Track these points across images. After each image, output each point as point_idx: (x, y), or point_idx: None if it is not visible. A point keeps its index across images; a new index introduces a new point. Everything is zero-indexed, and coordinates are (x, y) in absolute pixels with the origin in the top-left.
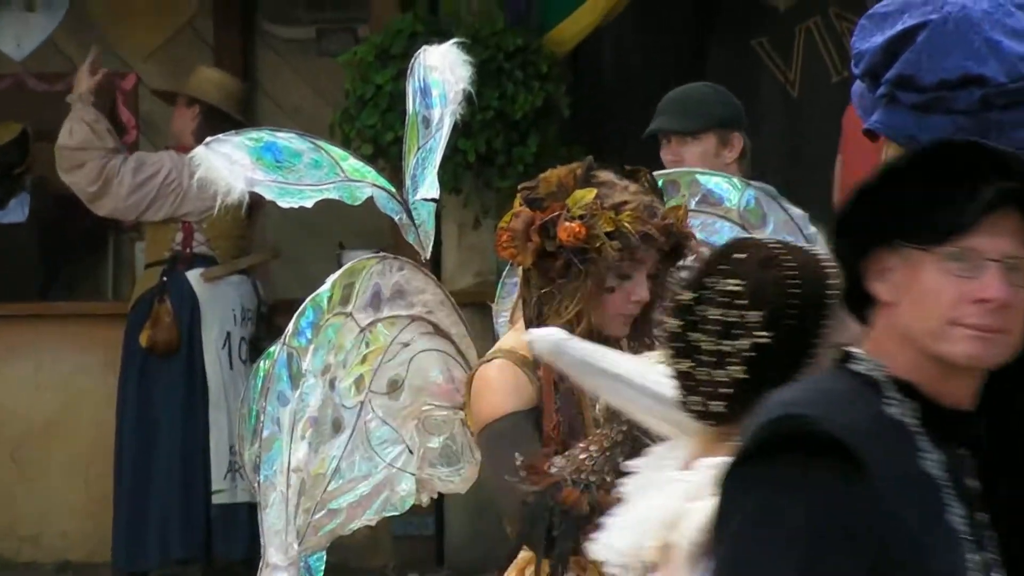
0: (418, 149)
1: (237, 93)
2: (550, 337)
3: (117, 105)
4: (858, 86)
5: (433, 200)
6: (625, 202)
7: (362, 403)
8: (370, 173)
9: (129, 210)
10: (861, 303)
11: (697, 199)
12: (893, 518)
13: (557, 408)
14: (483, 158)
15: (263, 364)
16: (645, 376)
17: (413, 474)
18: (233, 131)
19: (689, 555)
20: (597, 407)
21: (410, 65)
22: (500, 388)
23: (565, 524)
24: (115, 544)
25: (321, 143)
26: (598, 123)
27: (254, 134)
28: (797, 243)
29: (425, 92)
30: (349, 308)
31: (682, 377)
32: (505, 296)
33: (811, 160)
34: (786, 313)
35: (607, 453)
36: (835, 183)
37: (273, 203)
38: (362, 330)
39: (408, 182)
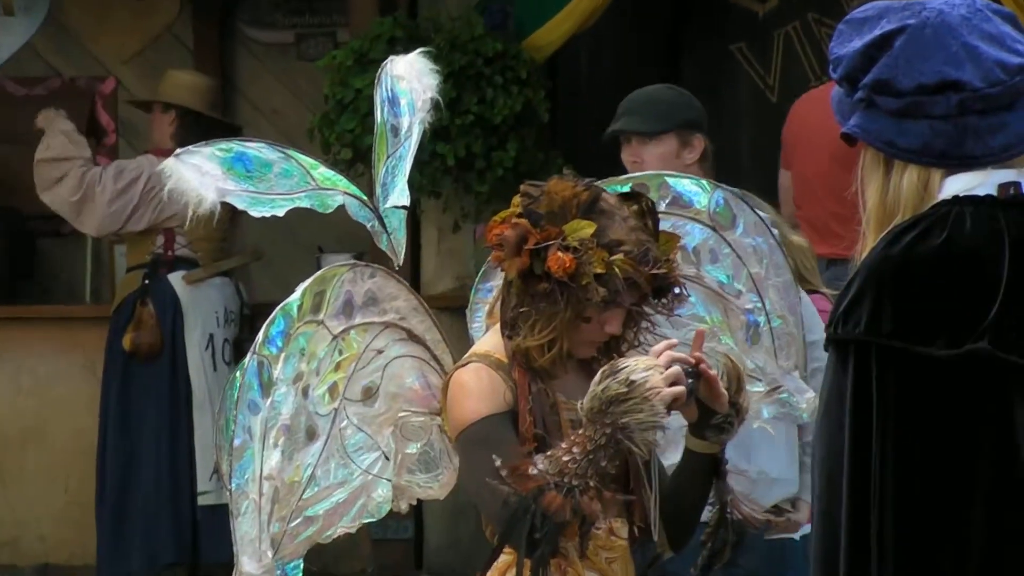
0: (387, 157)
1: (210, 91)
2: None
3: (96, 109)
4: (836, 91)
5: (404, 207)
6: (621, 243)
7: (336, 410)
8: (341, 181)
9: (113, 218)
10: None
11: (667, 201)
12: None
13: (530, 409)
14: (462, 163)
15: (237, 376)
16: None
17: (390, 480)
18: (203, 142)
19: None
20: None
21: (377, 75)
22: (476, 392)
23: (547, 527)
24: (100, 548)
25: (291, 152)
26: (577, 128)
27: (224, 144)
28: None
29: (393, 101)
30: (321, 316)
31: None
32: (478, 303)
33: None
34: None
35: (590, 456)
36: (782, 197)
37: None
38: (335, 337)
39: (379, 190)
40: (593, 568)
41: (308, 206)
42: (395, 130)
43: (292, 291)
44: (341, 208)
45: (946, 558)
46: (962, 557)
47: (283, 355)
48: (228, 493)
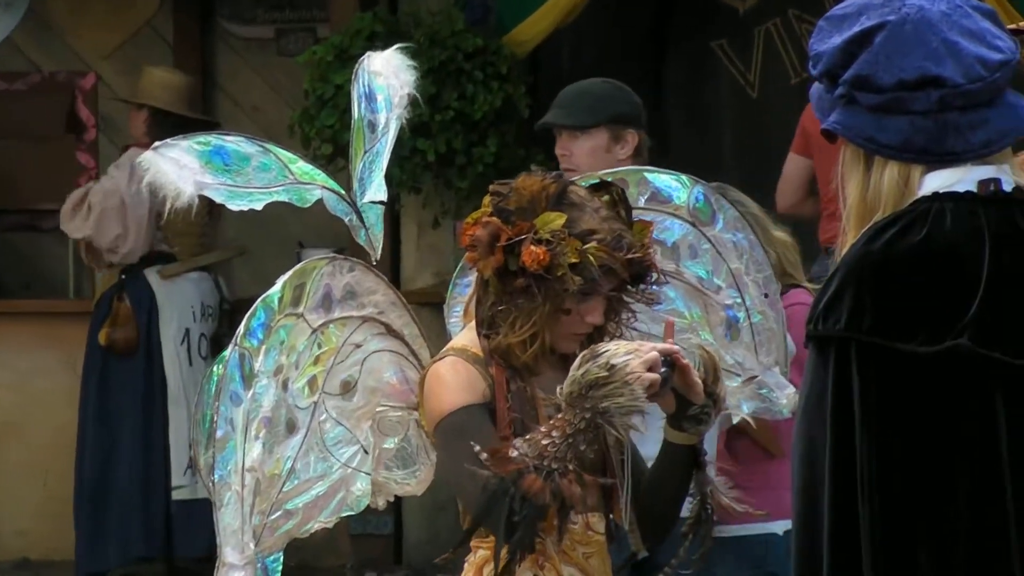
0: (364, 153)
1: (185, 89)
2: None
3: (76, 104)
4: (816, 87)
5: (381, 203)
6: (593, 231)
7: (316, 404)
8: (319, 175)
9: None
10: None
11: (646, 197)
12: None
13: (509, 406)
14: (443, 158)
15: (216, 369)
16: None
17: (368, 474)
18: (181, 135)
19: None
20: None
21: (354, 71)
22: (453, 383)
23: (526, 511)
24: (78, 543)
25: (270, 146)
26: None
27: (202, 138)
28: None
29: (370, 97)
30: (300, 309)
31: None
32: (455, 298)
33: (770, 161)
34: None
35: (570, 440)
36: (790, 182)
37: None
38: (314, 331)
39: (356, 186)
40: (570, 563)
41: (286, 200)
42: (372, 126)
43: (272, 286)
44: (321, 203)
45: (928, 553)
46: (944, 552)
47: (264, 347)
48: (210, 484)
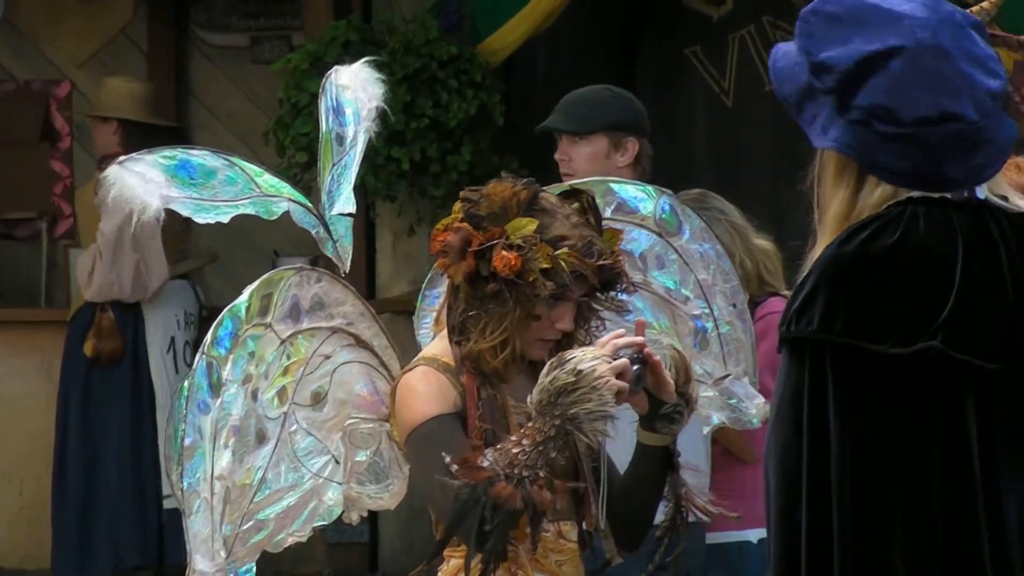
0: (333, 166)
1: (150, 96)
2: None
3: (51, 113)
4: (805, 89)
5: (350, 215)
6: (564, 237)
7: (286, 414)
8: (285, 188)
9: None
10: None
11: (612, 208)
12: None
13: (480, 415)
14: (417, 166)
15: (185, 384)
16: None
17: (340, 483)
18: (147, 149)
19: None
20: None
21: (322, 84)
22: (424, 393)
23: (497, 519)
24: (59, 553)
25: (235, 160)
26: (532, 132)
27: (168, 152)
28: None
29: (338, 110)
30: (268, 319)
31: None
32: (425, 309)
33: (745, 168)
34: None
35: (540, 447)
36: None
37: None
38: (283, 342)
39: (324, 198)
40: (543, 570)
41: (252, 212)
42: (340, 139)
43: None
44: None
45: (903, 555)
46: (919, 554)
47: (231, 356)
48: (179, 493)
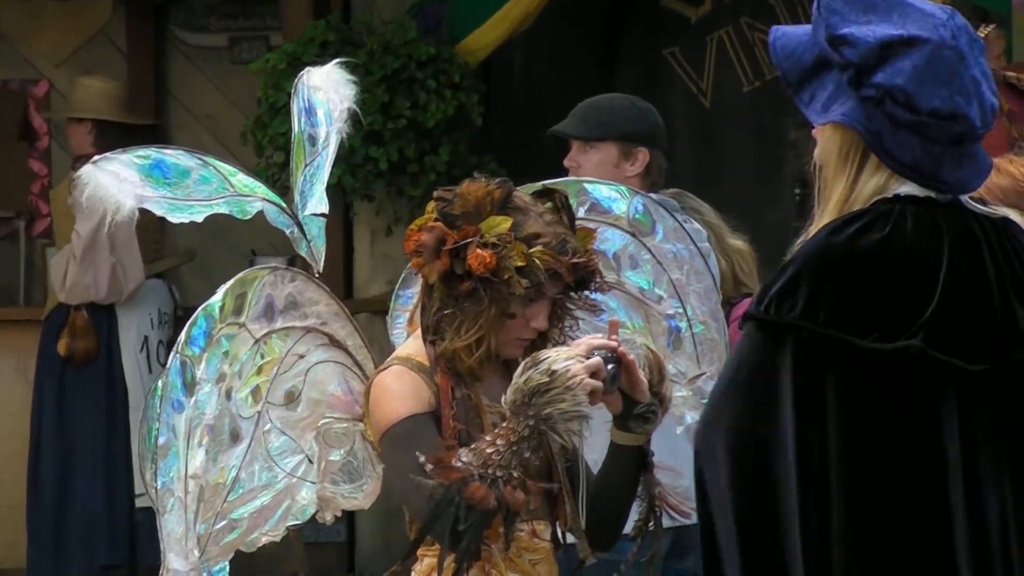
0: (305, 167)
1: (124, 95)
2: None
3: (29, 112)
4: (820, 57)
5: (323, 215)
6: (539, 235)
7: (259, 414)
8: (259, 187)
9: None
10: None
11: (586, 208)
12: None
13: (454, 414)
14: (395, 166)
15: (159, 383)
16: None
17: (313, 483)
18: (121, 149)
19: None
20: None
21: (294, 86)
22: (398, 393)
23: (471, 519)
24: (34, 553)
25: (209, 159)
26: (510, 132)
27: (142, 152)
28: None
29: (310, 111)
30: (242, 319)
31: None
32: (399, 309)
33: (723, 169)
34: None
35: (514, 447)
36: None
37: None
38: (257, 341)
39: (297, 199)
40: (517, 570)
41: (226, 212)
42: (312, 140)
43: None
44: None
45: (865, 546)
46: (884, 549)
47: (206, 355)
48: (153, 492)
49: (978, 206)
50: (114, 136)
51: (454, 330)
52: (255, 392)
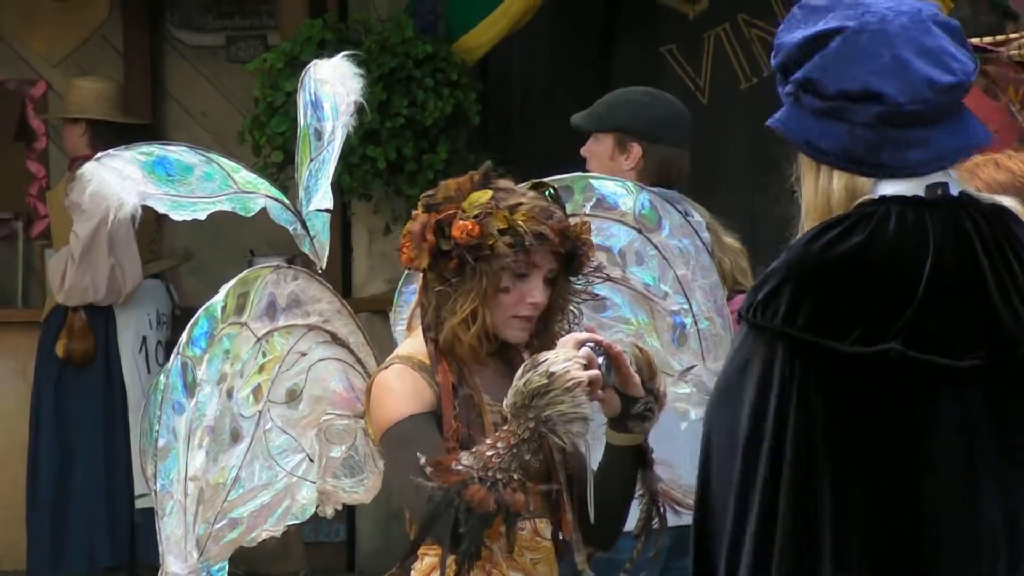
0: (311, 161)
1: (116, 96)
2: None
3: (27, 113)
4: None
5: (327, 211)
6: (520, 203)
7: (260, 412)
8: (262, 184)
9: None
10: None
11: (592, 203)
12: None
13: (456, 414)
14: (393, 165)
15: (161, 379)
16: None
17: (314, 482)
18: (124, 146)
19: None
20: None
21: (300, 79)
22: (399, 392)
23: (471, 521)
24: (33, 553)
25: (212, 156)
26: (508, 130)
27: (145, 148)
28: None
29: (316, 105)
30: (244, 318)
31: None
32: (402, 305)
33: (720, 166)
34: None
35: (514, 450)
36: None
37: None
38: (258, 340)
39: (301, 194)
40: (518, 569)
41: (229, 209)
42: (318, 134)
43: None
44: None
45: (843, 551)
46: (861, 550)
47: (207, 356)
48: (153, 494)
49: (975, 193)
50: (108, 136)
51: (449, 309)
52: (256, 391)
